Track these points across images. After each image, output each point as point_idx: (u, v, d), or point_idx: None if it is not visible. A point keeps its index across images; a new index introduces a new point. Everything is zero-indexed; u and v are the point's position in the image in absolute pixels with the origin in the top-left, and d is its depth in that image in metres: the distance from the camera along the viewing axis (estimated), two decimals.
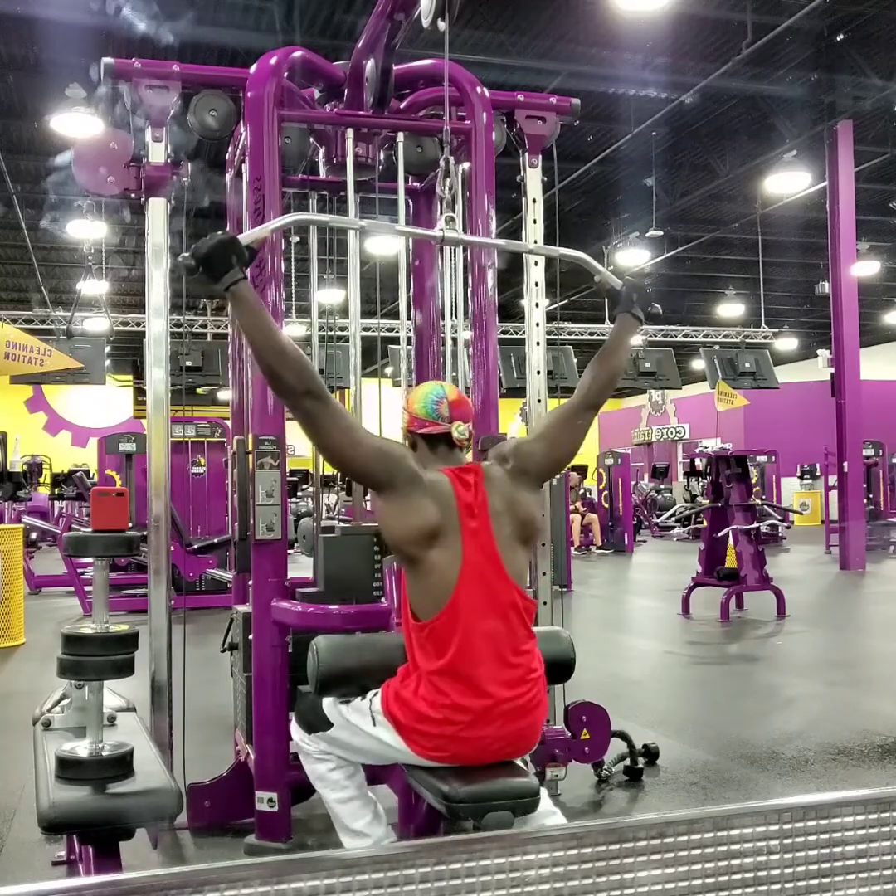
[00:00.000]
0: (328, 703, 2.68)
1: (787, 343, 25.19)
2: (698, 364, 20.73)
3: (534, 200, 4.03)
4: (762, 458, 20.06)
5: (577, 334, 21.93)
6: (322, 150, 3.95)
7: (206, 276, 2.34)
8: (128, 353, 23.16)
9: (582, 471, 17.19)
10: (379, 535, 3.31)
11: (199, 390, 13.40)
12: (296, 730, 2.81)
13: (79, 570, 10.05)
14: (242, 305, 2.38)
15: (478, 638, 2.42)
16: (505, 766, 2.45)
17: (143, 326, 4.51)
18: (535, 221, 4.02)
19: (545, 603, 3.96)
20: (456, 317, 3.85)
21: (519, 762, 2.52)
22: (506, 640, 2.45)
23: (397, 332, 3.73)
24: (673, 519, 20.68)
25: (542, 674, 2.52)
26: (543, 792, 2.44)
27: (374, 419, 4.11)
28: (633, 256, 17.83)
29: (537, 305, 4.03)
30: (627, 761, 4.26)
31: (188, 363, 11.61)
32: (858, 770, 4.36)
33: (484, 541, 2.48)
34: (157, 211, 3.65)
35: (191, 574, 9.08)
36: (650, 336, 23.15)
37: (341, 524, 3.62)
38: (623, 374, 2.96)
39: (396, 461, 2.48)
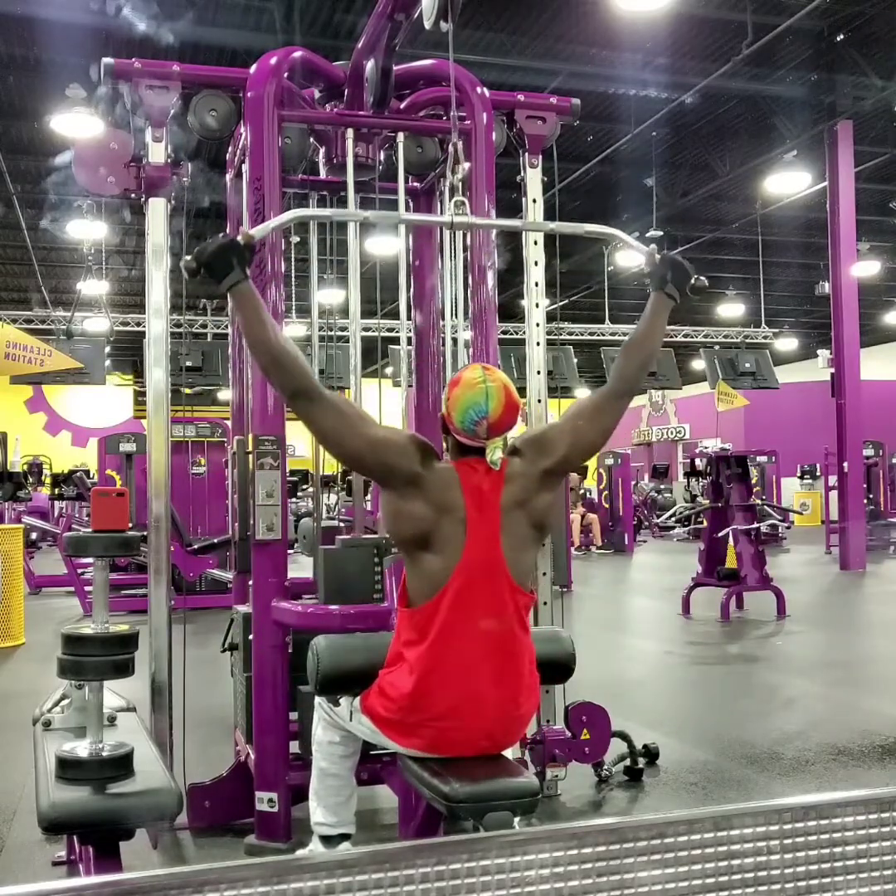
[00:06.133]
0: None
1: (787, 343, 25.18)
2: (698, 364, 20.73)
3: (534, 200, 4.04)
4: (762, 459, 20.04)
5: (577, 334, 21.92)
6: (322, 150, 3.95)
7: (208, 277, 2.41)
8: (128, 353, 23.14)
9: (582, 471, 17.17)
10: (379, 546, 3.33)
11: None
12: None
13: (79, 570, 10.05)
14: (244, 305, 2.43)
15: (468, 632, 2.42)
16: (505, 765, 2.45)
17: (143, 326, 4.51)
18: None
19: (545, 603, 3.96)
20: (456, 317, 3.85)
21: (516, 760, 2.53)
22: (498, 636, 2.44)
23: (397, 332, 3.73)
24: (673, 519, 20.67)
25: (533, 668, 2.53)
26: None
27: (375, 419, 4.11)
28: (634, 257, 17.81)
29: (537, 305, 4.03)
30: (627, 761, 4.26)
31: (188, 363, 11.61)
32: (858, 770, 4.36)
33: (489, 536, 2.44)
34: (157, 211, 3.65)
35: (191, 574, 9.06)
36: None
37: (342, 524, 3.61)
38: (655, 359, 2.81)
39: (393, 456, 2.45)
